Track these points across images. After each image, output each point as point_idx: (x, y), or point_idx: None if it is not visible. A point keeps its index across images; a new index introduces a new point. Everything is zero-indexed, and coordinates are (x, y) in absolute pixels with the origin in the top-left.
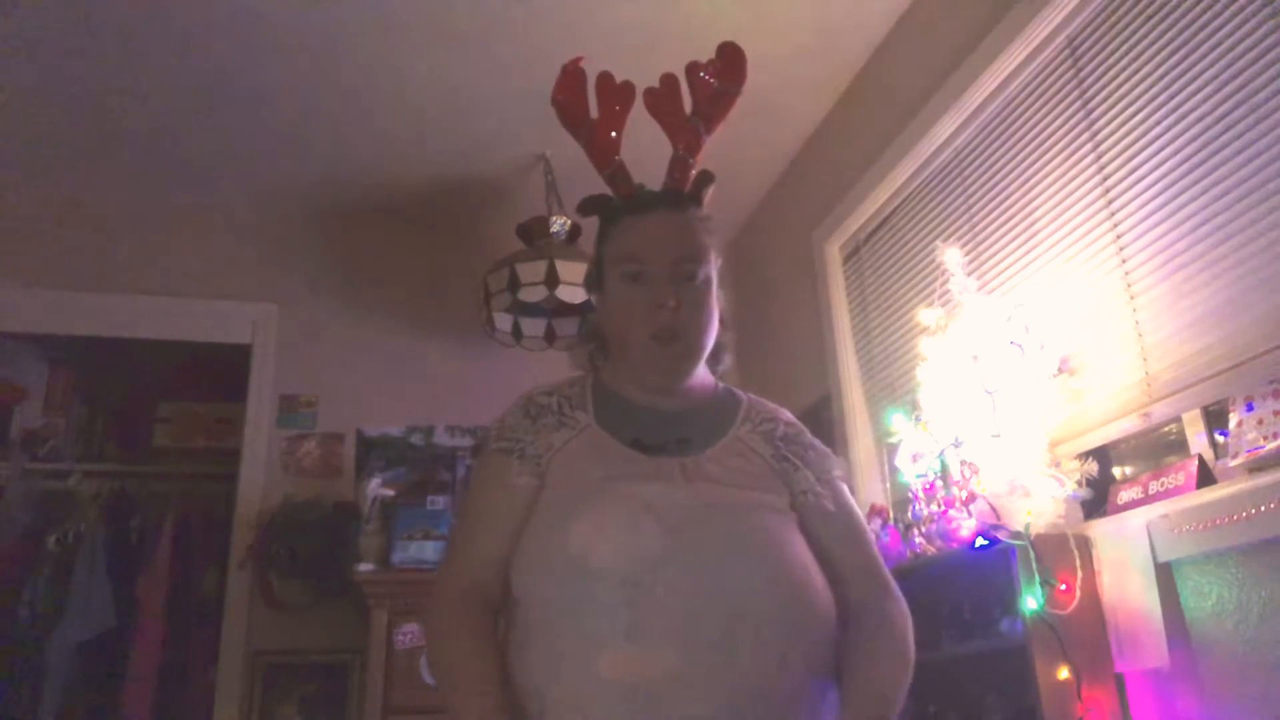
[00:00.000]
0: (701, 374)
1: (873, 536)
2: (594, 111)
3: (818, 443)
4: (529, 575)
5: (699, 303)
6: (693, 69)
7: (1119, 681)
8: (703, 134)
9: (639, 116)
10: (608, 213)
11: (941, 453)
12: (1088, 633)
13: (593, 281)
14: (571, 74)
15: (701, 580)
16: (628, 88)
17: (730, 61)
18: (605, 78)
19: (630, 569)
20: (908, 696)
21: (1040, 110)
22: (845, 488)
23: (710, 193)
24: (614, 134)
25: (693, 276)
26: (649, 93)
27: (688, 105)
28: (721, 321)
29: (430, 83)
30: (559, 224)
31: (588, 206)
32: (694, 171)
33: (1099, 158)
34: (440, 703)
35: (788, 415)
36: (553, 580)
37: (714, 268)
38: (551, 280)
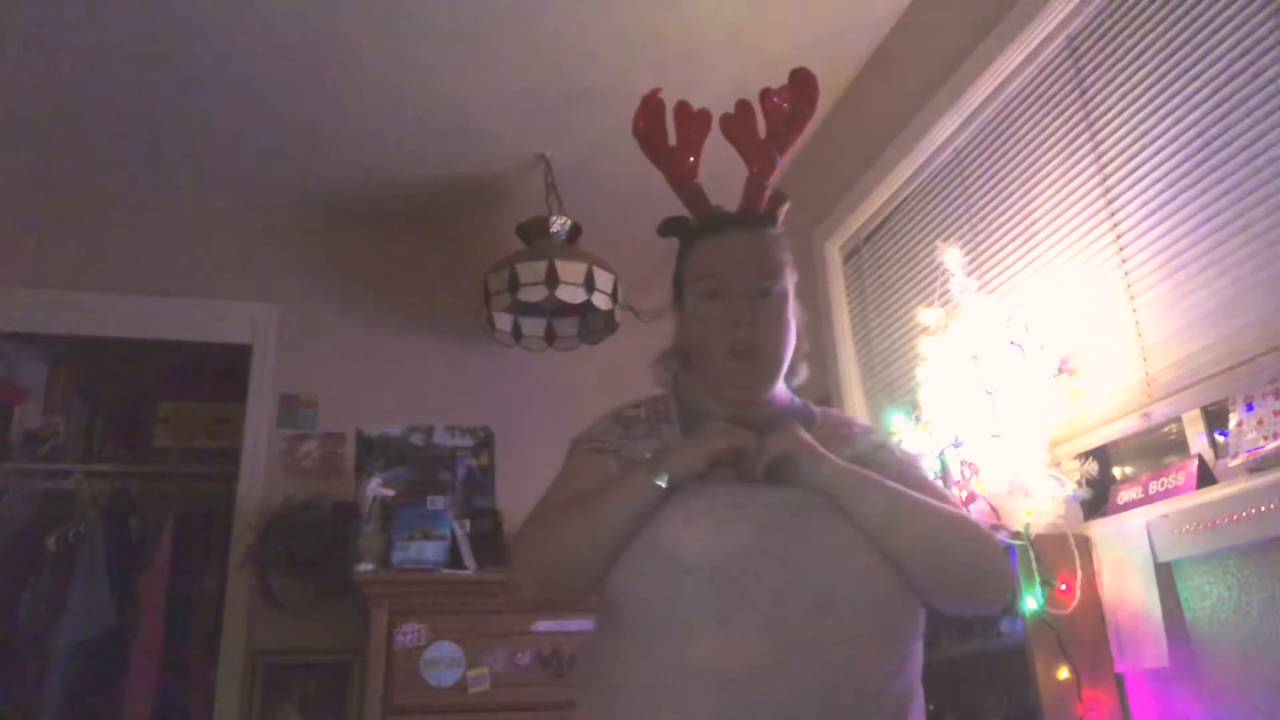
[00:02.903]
0: (780, 388)
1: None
2: (672, 138)
3: (889, 439)
4: (620, 570)
5: (776, 318)
6: (766, 95)
7: (1119, 681)
8: (777, 157)
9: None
10: (686, 234)
11: (941, 453)
12: (1088, 633)
13: (673, 301)
14: (651, 104)
15: (790, 574)
16: (704, 115)
17: (802, 87)
18: (683, 106)
19: (720, 562)
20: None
21: (1040, 110)
22: (925, 470)
23: (785, 212)
24: (692, 159)
25: (769, 293)
26: (725, 118)
27: (761, 129)
28: (798, 335)
29: (430, 82)
30: (559, 224)
31: (668, 228)
32: (768, 192)
33: (1099, 158)
34: (440, 703)
35: (861, 421)
36: (644, 573)
37: (790, 284)
38: (551, 280)
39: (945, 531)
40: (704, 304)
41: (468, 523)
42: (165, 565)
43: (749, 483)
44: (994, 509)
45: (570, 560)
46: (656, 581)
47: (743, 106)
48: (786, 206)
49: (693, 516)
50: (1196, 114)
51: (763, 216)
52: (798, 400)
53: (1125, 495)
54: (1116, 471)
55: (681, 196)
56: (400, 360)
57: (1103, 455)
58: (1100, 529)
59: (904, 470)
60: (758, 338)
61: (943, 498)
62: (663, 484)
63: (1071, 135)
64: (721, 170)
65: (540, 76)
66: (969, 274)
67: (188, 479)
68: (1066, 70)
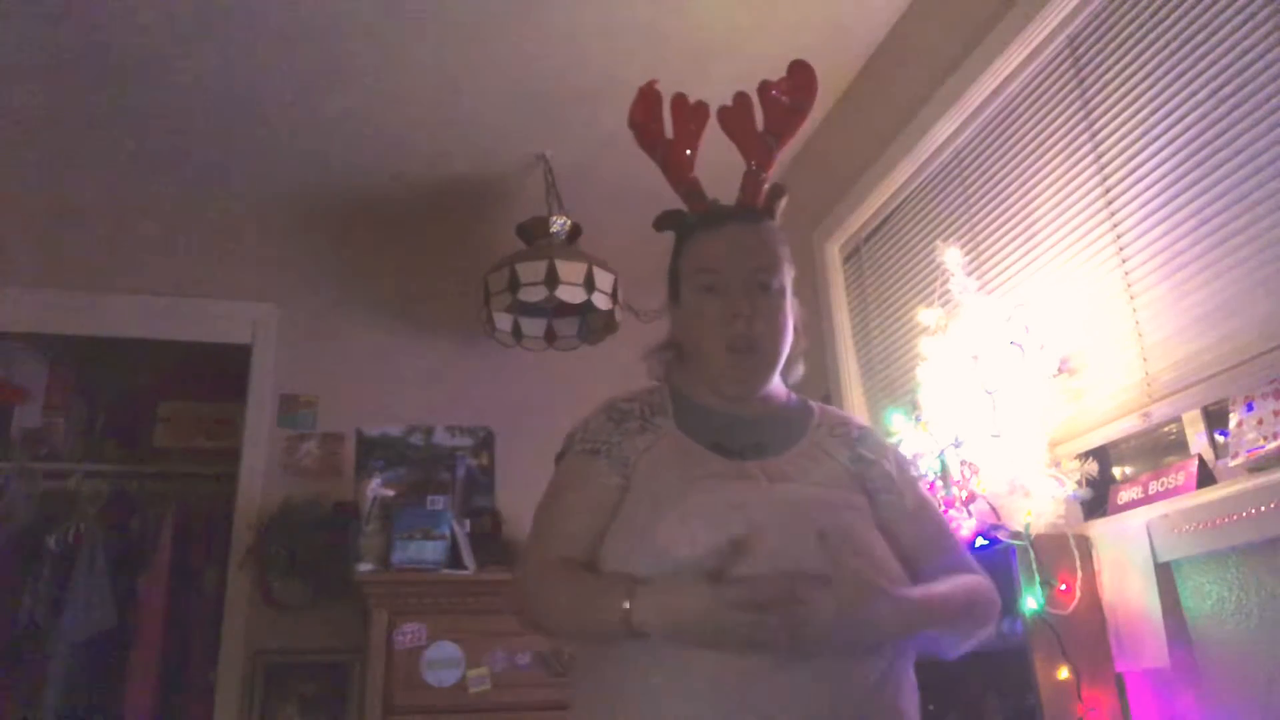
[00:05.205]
0: (776, 382)
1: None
2: (669, 131)
3: (891, 443)
4: (615, 566)
5: (774, 312)
6: (764, 88)
7: (1119, 681)
8: (775, 150)
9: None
10: (683, 228)
11: (941, 453)
12: (1088, 633)
13: (668, 295)
14: (648, 96)
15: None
16: (701, 107)
17: (801, 79)
18: (680, 99)
19: (716, 561)
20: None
21: (1040, 110)
22: (922, 485)
23: (783, 205)
24: (689, 152)
25: (767, 286)
26: (723, 111)
27: (759, 122)
28: (796, 330)
29: (430, 82)
30: (559, 224)
31: (664, 222)
32: (766, 186)
33: (1099, 158)
34: (440, 703)
35: (859, 420)
36: (639, 572)
37: (788, 278)
38: (551, 280)
39: (973, 619)
40: (701, 298)
41: (467, 523)
42: (165, 565)
43: (748, 480)
44: (994, 509)
45: (547, 628)
46: None
47: (741, 99)
48: (784, 200)
49: (688, 516)
50: (1196, 114)
51: (760, 210)
52: (794, 396)
53: (1125, 495)
54: (1116, 471)
55: (679, 190)
56: (400, 360)
57: (1103, 455)
58: (1100, 529)
59: (902, 493)
60: (755, 332)
61: (940, 524)
62: (635, 628)
63: (1071, 135)
64: (721, 164)
65: (540, 76)
66: (969, 274)
67: (188, 479)
68: (1066, 70)
